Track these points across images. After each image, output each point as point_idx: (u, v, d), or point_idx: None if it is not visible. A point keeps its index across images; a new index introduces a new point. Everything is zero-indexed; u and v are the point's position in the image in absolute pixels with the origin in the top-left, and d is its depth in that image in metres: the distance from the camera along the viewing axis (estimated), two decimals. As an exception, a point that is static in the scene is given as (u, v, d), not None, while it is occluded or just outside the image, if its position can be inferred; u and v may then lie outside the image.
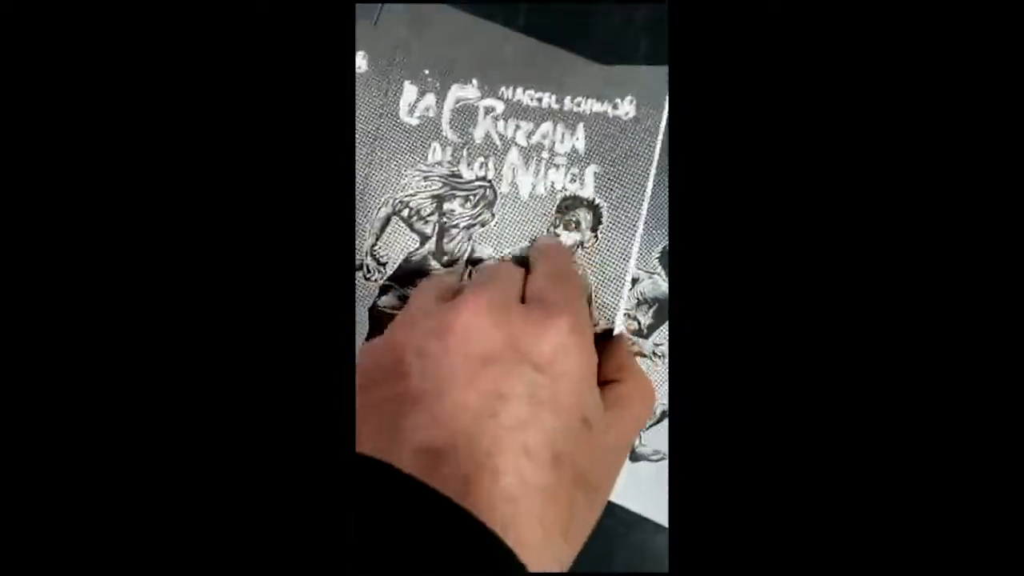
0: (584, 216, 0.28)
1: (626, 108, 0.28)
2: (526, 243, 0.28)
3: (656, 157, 0.27)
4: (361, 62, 0.29)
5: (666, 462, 0.28)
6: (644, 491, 0.27)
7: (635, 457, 0.28)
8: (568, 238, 0.28)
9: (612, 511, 0.27)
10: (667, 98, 0.27)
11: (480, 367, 0.20)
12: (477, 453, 0.19)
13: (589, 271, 0.28)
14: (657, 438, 0.28)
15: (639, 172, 0.28)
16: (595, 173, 0.28)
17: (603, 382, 0.24)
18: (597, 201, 0.28)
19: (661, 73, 0.27)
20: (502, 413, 0.19)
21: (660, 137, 0.27)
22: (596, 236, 0.28)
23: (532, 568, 0.18)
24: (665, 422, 0.28)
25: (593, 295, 0.27)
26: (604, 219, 0.28)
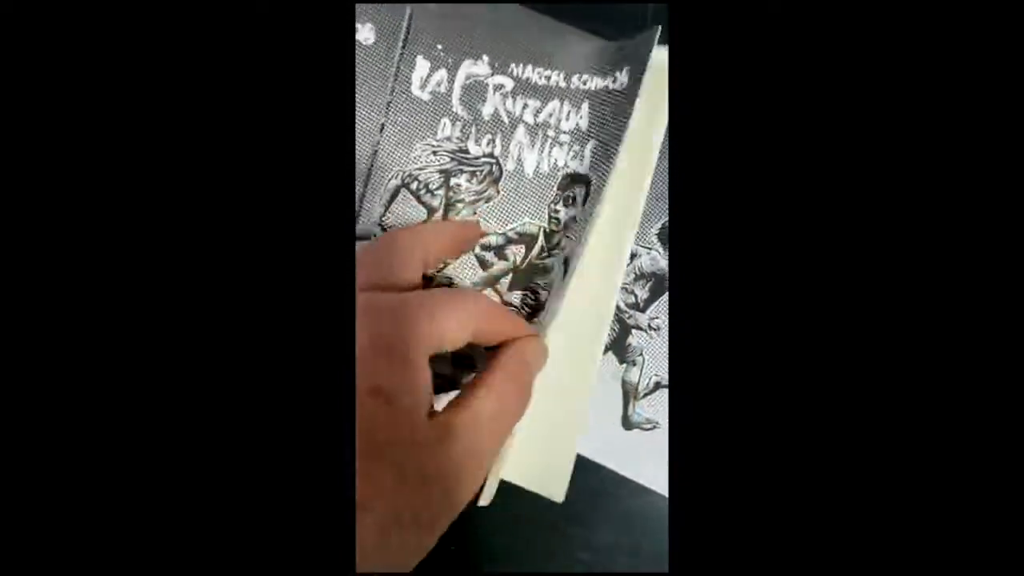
0: (579, 192, 0.28)
1: (622, 79, 0.28)
2: (527, 218, 0.29)
3: (631, 125, 0.26)
4: (369, 35, 0.29)
5: (657, 431, 0.29)
6: (638, 458, 0.29)
7: (628, 426, 0.29)
8: (566, 213, 0.29)
9: (606, 475, 0.29)
10: (649, 64, 0.26)
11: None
12: None
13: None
14: (650, 408, 0.29)
15: (621, 142, 0.26)
16: (592, 149, 0.28)
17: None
18: (590, 176, 0.28)
19: (648, 37, 0.26)
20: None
21: (637, 103, 0.26)
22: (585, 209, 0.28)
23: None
24: (657, 393, 0.29)
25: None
26: (591, 192, 0.27)
